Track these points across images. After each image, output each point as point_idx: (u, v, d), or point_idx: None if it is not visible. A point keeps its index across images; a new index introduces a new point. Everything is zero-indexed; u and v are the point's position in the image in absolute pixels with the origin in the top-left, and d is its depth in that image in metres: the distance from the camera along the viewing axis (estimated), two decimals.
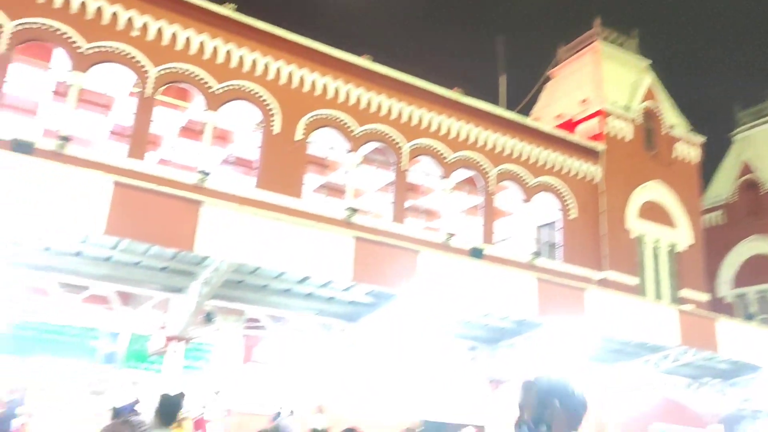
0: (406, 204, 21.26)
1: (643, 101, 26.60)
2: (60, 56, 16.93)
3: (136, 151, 17.23)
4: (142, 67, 17.44)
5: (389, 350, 16.32)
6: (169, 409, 5.76)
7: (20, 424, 14.77)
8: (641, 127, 26.18)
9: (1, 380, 17.83)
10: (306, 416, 14.71)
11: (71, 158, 15.07)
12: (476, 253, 20.18)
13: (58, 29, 16.44)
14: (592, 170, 24.72)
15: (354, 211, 18.97)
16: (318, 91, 19.92)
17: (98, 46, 16.92)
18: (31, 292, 14.01)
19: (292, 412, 14.34)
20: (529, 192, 23.09)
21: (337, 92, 20.21)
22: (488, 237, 21.76)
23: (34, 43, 16.43)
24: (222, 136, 20.15)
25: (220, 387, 17.83)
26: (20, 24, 16.05)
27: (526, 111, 27.56)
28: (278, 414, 14.38)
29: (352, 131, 20.04)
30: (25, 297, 14.04)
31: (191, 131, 19.70)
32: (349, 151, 20.00)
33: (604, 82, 25.83)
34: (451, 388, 18.32)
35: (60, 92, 17.50)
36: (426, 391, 18.50)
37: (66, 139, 15.94)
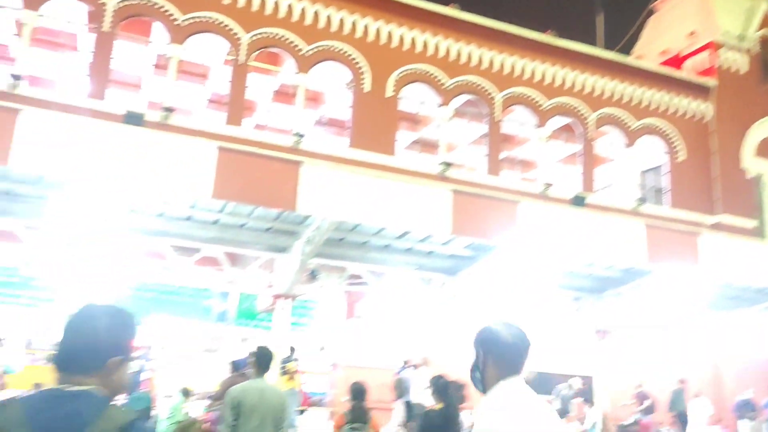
0: (501, 155, 20.79)
1: (761, 28, 24.38)
2: (159, 30, 17.56)
3: (234, 118, 17.75)
4: (235, 34, 17.81)
5: (490, 303, 16.24)
6: (264, 359, 6.01)
7: (147, 378, 15.97)
8: (758, 58, 24.09)
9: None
10: (413, 370, 14.92)
11: (176, 128, 15.73)
12: (578, 201, 19.57)
13: (155, 3, 17.03)
14: (702, 108, 23.12)
15: (448, 165, 18.77)
16: (406, 46, 19.66)
17: (193, 17, 17.40)
18: (148, 257, 14.91)
19: (414, 366, 14.55)
20: (632, 136, 21.94)
21: (425, 45, 19.86)
22: (589, 185, 20.96)
23: (135, 20, 17.11)
24: (314, 98, 20.36)
25: (325, 342, 18.49)
26: (121, 2, 16.75)
27: (626, 50, 26.00)
28: (403, 367, 14.70)
29: (442, 84, 19.70)
30: (143, 261, 14.95)
31: (284, 95, 20.04)
32: (441, 105, 19.70)
33: (714, 10, 23.85)
34: (557, 340, 18.05)
35: (161, 65, 18.21)
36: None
37: (170, 110, 16.62)
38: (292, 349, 14.13)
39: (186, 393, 12.77)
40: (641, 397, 16.87)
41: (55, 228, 12.49)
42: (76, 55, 18.10)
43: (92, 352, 1.83)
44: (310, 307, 17.66)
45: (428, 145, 21.37)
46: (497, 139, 20.42)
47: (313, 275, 14.93)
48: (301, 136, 17.88)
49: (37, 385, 12.38)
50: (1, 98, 13.63)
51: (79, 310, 1.95)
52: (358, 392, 6.29)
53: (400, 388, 10.15)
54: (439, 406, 5.80)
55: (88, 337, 1.84)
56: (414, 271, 16.20)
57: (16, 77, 15.35)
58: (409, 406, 8.61)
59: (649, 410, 16.68)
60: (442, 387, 5.88)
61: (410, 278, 16.26)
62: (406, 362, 15.07)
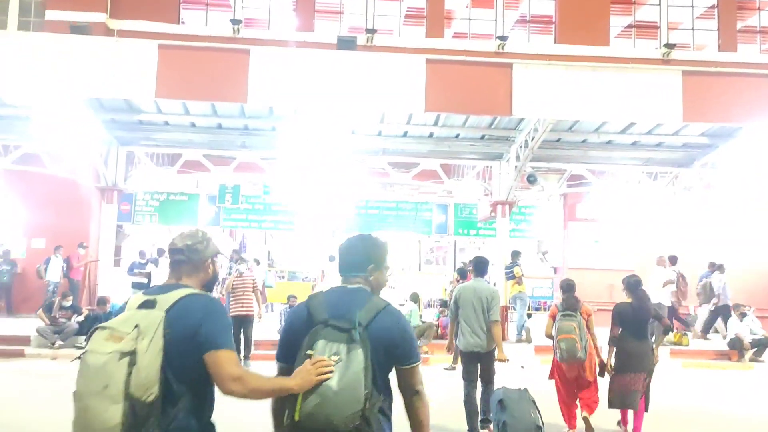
0: (738, 26, 18.18)
1: None
2: None
3: (435, 30, 17.63)
4: None
5: (732, 193, 14.72)
6: (479, 266, 7.14)
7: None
8: None
9: None
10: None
11: (381, 47, 16.08)
12: None
13: None
14: None
15: (672, 47, 16.94)
16: None
17: None
18: (370, 175, 15.73)
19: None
20: None
21: None
22: None
23: None
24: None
25: (547, 247, 18.30)
26: None
27: None
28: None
29: None
30: (366, 180, 15.81)
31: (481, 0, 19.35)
32: None
33: None
34: None
35: None
36: None
37: (372, 31, 16.97)
38: (517, 254, 14.21)
39: (416, 299, 13.55)
40: None
41: (287, 157, 13.64)
42: None
43: (358, 262, 2.72)
44: (529, 212, 17.48)
45: (646, 28, 19.35)
46: (731, 8, 17.85)
47: (530, 180, 14.68)
48: (505, 39, 17.24)
49: (291, 297, 13.96)
50: (227, 42, 14.98)
51: (348, 239, 2.84)
52: (568, 286, 7.23)
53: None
54: (629, 300, 6.79)
55: (355, 255, 2.75)
56: (639, 166, 15.19)
57: (236, 22, 16.66)
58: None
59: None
60: (633, 284, 6.85)
61: (635, 174, 15.29)
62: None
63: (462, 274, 12.76)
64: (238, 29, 16.53)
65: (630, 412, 6.83)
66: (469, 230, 17.95)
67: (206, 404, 2.46)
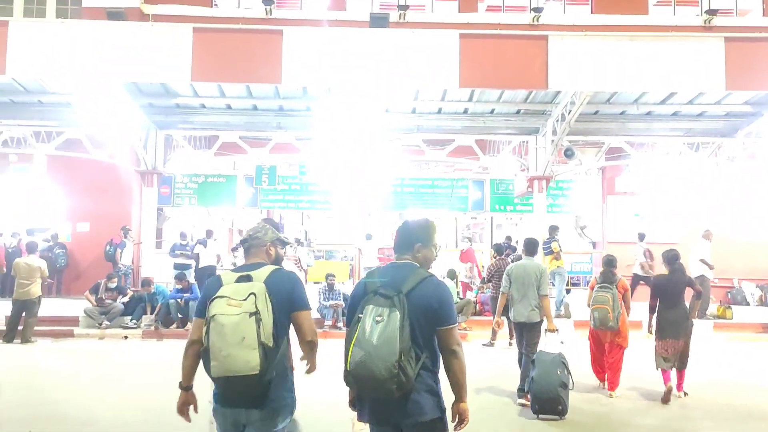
0: None
1: None
2: None
3: (468, 4, 17.37)
4: None
5: None
6: (529, 246, 7.80)
7: None
8: None
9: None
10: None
11: (414, 24, 15.92)
12: None
13: None
14: None
15: (713, 13, 16.38)
16: None
17: None
18: (405, 153, 15.71)
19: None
20: None
21: None
22: None
23: None
24: None
25: (585, 221, 18.05)
26: None
27: None
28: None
29: None
30: (400, 157, 15.79)
31: None
32: None
33: None
34: None
35: None
36: None
37: (404, 7, 16.81)
38: (554, 229, 14.08)
39: (452, 275, 13.54)
40: None
41: (322, 136, 13.70)
42: None
43: (406, 242, 3.24)
44: (567, 187, 17.25)
45: None
46: None
47: (567, 154, 14.47)
48: (540, 10, 16.89)
49: (329, 275, 14.10)
50: (260, 23, 15.02)
51: (403, 222, 3.39)
52: (608, 261, 7.95)
53: None
54: (667, 271, 7.58)
55: (404, 234, 3.27)
56: (680, 137, 14.83)
57: (268, 2, 16.67)
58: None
59: None
60: (672, 258, 7.58)
61: (676, 146, 14.93)
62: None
63: (498, 251, 12.72)
64: (271, 10, 16.52)
65: (672, 373, 7.43)
66: (506, 206, 17.82)
67: (289, 348, 3.24)
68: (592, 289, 7.97)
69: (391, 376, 2.81)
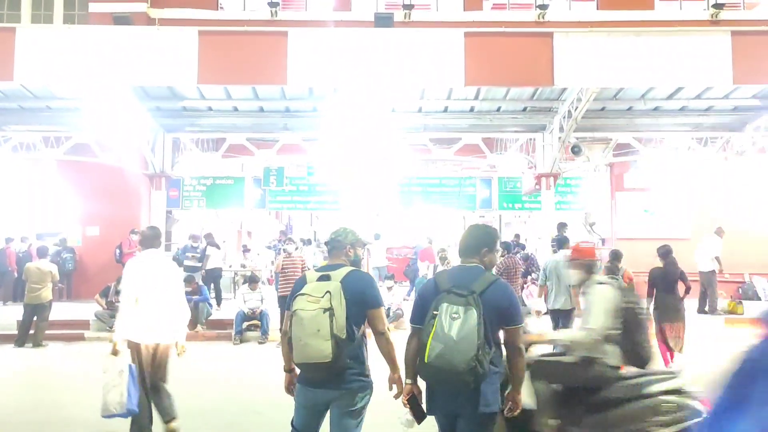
0: None
1: None
2: None
3: (472, 3, 17.34)
4: None
5: None
6: (561, 243, 9.25)
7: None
8: None
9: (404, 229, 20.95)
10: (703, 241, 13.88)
11: (419, 23, 15.93)
12: None
13: None
14: None
15: (721, 6, 16.27)
16: None
17: None
18: (412, 152, 15.69)
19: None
20: None
21: None
22: None
23: None
24: None
25: (595, 218, 17.97)
26: None
27: None
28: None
29: None
30: (407, 157, 15.77)
31: None
32: None
33: None
34: None
35: None
36: None
37: (410, 6, 16.81)
38: (563, 226, 14.03)
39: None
40: None
41: (329, 137, 13.71)
42: None
43: (474, 246, 3.56)
44: (575, 184, 17.19)
45: None
46: None
47: (575, 151, 14.41)
48: (545, 7, 16.85)
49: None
50: (265, 25, 15.06)
51: (467, 228, 3.76)
52: (614, 255, 9.20)
53: None
54: (662, 264, 8.69)
55: (470, 240, 3.60)
56: (688, 132, 14.75)
57: (273, 4, 16.71)
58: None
59: None
60: (664, 253, 8.74)
61: (685, 141, 14.85)
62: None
63: (507, 248, 12.69)
64: (276, 12, 16.58)
65: (671, 354, 8.48)
66: (514, 204, 17.78)
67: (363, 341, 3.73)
68: None
69: (470, 369, 3.13)
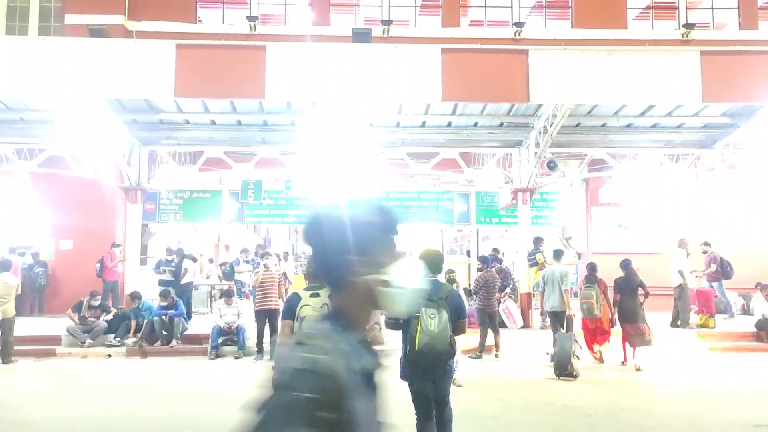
0: (759, 3, 17.84)
1: None
2: None
3: (451, 19, 17.58)
4: None
5: (756, 173, 14.53)
6: (557, 254, 10.93)
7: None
8: None
9: None
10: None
11: (397, 38, 16.09)
12: None
13: None
14: None
15: (691, 27, 16.69)
16: None
17: None
18: (390, 166, 15.74)
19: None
20: None
21: None
22: None
23: None
24: None
25: (571, 233, 18.18)
26: None
27: None
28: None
29: None
30: (385, 171, 15.82)
31: None
32: None
33: None
34: None
35: None
36: None
37: (388, 22, 16.98)
38: (539, 241, 14.18)
39: (453, 281, 13.55)
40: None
41: (307, 151, 13.72)
42: None
43: (437, 266, 5.28)
44: (551, 199, 17.37)
45: (665, 9, 19.10)
46: None
47: (551, 166, 14.58)
48: (521, 25, 17.14)
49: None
50: (244, 39, 15.09)
51: (428, 252, 5.28)
52: (591, 267, 11.03)
53: None
54: (623, 274, 10.54)
55: (437, 260, 5.29)
56: (660, 148, 15.03)
57: (252, 18, 16.77)
58: None
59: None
60: (624, 264, 10.64)
61: (657, 157, 15.12)
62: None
63: (485, 261, 12.79)
64: (255, 26, 16.65)
65: (633, 350, 10.30)
66: (492, 218, 17.87)
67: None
68: (581, 288, 11.12)
69: (447, 350, 4.85)
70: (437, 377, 4.95)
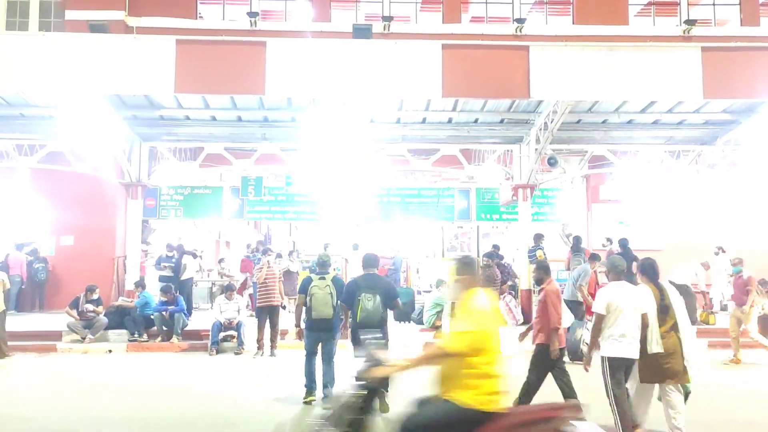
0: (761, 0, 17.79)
1: None
2: None
3: (452, 15, 17.53)
4: None
5: (758, 169, 14.51)
6: (576, 242, 12.90)
7: (405, 275, 17.19)
8: None
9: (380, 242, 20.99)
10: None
11: (398, 35, 16.06)
12: None
13: None
14: None
15: (692, 23, 16.65)
16: None
17: None
18: (390, 163, 15.73)
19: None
20: None
21: None
22: None
23: None
24: None
25: (571, 229, 18.15)
26: None
27: None
28: None
29: None
30: (386, 167, 15.81)
31: None
32: None
33: None
34: None
35: None
36: None
37: (389, 18, 16.95)
38: (539, 238, 14.17)
39: (440, 284, 13.55)
40: None
41: (307, 147, 13.70)
42: None
43: (374, 263, 7.64)
44: (552, 195, 17.36)
45: (667, 5, 19.04)
46: None
47: (551, 163, 14.57)
48: (522, 21, 17.09)
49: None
50: (244, 35, 15.05)
51: (366, 254, 7.73)
52: (577, 240, 13.47)
53: None
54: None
55: (373, 260, 7.62)
56: (661, 145, 15.01)
57: (253, 14, 16.74)
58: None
59: None
60: (623, 243, 12.73)
61: (658, 154, 15.10)
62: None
63: (491, 258, 12.80)
64: (255, 22, 16.61)
65: None
66: (492, 215, 17.86)
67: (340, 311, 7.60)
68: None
69: (380, 322, 7.12)
70: (372, 333, 6.93)
